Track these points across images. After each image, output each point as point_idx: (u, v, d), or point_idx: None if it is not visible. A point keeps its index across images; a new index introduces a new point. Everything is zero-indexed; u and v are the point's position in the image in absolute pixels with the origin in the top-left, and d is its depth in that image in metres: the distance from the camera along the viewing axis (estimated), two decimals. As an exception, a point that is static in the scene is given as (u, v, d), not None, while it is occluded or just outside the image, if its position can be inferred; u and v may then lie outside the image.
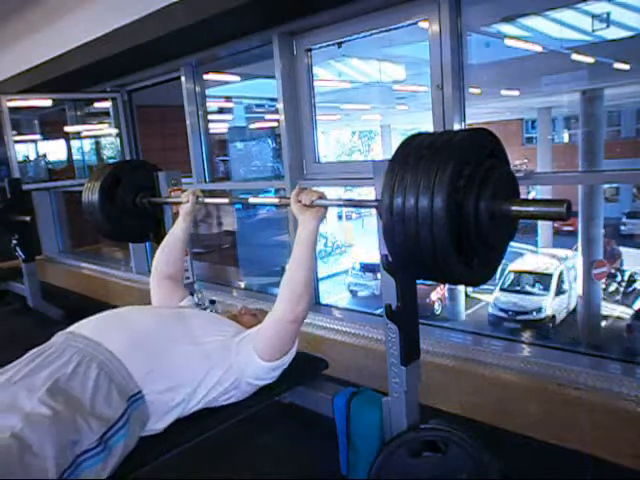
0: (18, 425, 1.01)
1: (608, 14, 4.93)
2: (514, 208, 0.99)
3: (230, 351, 1.37)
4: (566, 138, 13.65)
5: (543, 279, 8.68)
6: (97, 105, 4.19)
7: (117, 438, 1.14)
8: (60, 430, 1.05)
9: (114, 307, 1.48)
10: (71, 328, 1.36)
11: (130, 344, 1.29)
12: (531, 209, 0.99)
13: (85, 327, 1.35)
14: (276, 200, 1.58)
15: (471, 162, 0.99)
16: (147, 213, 2.16)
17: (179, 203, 1.89)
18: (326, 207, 1.40)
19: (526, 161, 11.34)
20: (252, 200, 1.83)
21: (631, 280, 9.07)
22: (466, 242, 1.00)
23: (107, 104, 3.80)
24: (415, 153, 1.01)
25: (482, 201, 0.98)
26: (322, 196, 1.38)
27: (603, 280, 7.97)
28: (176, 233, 1.83)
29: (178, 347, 1.34)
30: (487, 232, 1.00)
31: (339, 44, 2.38)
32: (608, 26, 4.98)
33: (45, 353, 1.23)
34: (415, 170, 0.98)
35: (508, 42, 4.82)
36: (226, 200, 2.07)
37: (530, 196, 14.20)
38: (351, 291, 10.95)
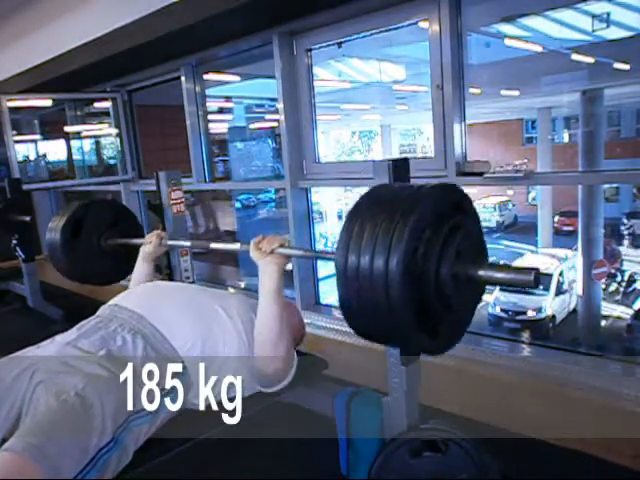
0: (80, 384, 1.10)
1: (608, 14, 4.93)
2: (481, 273, 0.91)
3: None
4: (566, 138, 13.65)
5: (543, 279, 8.69)
6: (97, 105, 4.18)
7: (163, 403, 1.23)
8: (117, 391, 1.14)
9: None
10: (115, 300, 1.44)
11: (173, 319, 1.36)
12: (499, 275, 0.91)
13: (129, 300, 1.42)
14: (237, 246, 1.55)
15: (435, 219, 0.92)
16: (118, 254, 2.08)
17: (139, 245, 1.85)
18: (287, 256, 1.35)
19: (526, 161, 11.34)
20: (213, 245, 1.78)
21: (631, 280, 9.07)
22: (426, 307, 0.92)
23: (107, 104, 3.80)
24: (375, 206, 0.95)
25: (445, 263, 0.90)
26: (284, 244, 1.34)
27: (603, 280, 7.97)
28: (137, 277, 1.81)
29: (217, 324, 1.40)
30: (450, 296, 0.92)
31: (339, 44, 2.38)
32: (608, 26, 4.99)
33: (92, 322, 1.34)
34: (373, 225, 0.90)
35: (508, 42, 4.81)
36: (188, 243, 2.04)
37: (530, 196, 14.21)
38: (351, 291, 10.94)
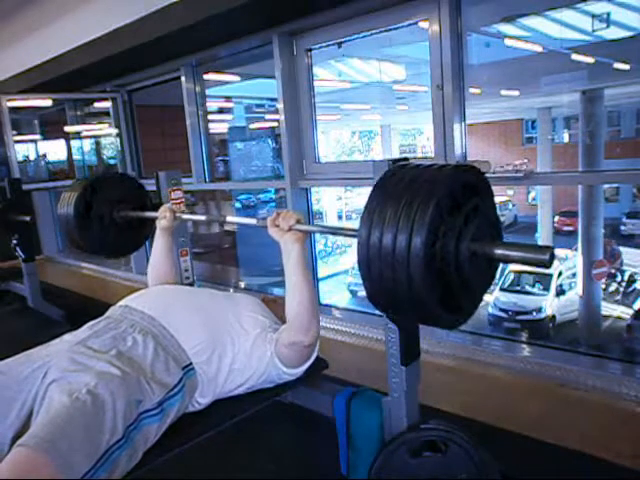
0: (92, 382, 1.11)
1: (608, 14, 4.93)
2: (497, 251, 0.94)
3: (265, 341, 1.41)
4: (566, 138, 13.65)
5: (543, 279, 8.68)
6: (97, 105, 4.19)
7: (172, 402, 1.24)
8: (128, 389, 1.15)
9: (114, 307, 1.48)
10: (126, 301, 1.45)
11: (182, 320, 1.37)
12: (514, 254, 0.94)
13: (140, 302, 1.43)
14: (254, 221, 1.55)
15: (455, 201, 0.95)
16: (131, 226, 2.08)
17: (155, 218, 1.84)
18: (306, 232, 1.36)
19: (526, 161, 11.34)
20: (230, 219, 1.80)
21: (631, 280, 9.07)
22: (445, 284, 0.96)
23: (107, 104, 3.81)
24: (397, 185, 0.97)
25: (464, 242, 0.93)
26: (300, 220, 1.36)
27: (603, 280, 7.97)
28: (157, 249, 1.81)
29: (227, 325, 1.41)
30: (467, 274, 0.95)
31: (339, 44, 2.39)
32: (608, 26, 4.98)
33: (102, 322, 1.36)
34: (396, 204, 0.93)
35: (508, 42, 4.81)
36: (203, 217, 2.02)
37: (530, 196, 14.20)
38: (351, 291, 10.94)
